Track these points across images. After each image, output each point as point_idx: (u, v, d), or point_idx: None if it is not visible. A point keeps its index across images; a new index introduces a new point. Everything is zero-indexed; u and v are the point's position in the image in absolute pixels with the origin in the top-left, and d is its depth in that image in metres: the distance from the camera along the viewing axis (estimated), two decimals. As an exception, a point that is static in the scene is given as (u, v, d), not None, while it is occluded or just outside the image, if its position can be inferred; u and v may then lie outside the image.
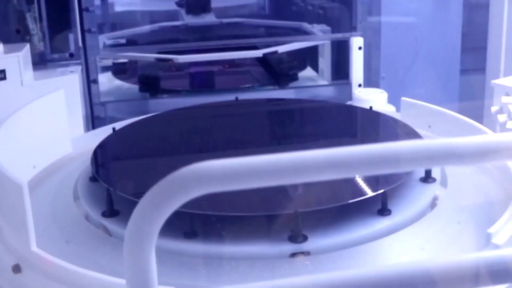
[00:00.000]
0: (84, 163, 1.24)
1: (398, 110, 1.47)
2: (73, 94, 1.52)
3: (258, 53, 1.89)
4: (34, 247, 0.90)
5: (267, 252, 0.94)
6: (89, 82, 1.74)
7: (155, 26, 2.33)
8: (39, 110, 1.26)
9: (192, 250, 0.95)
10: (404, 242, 0.98)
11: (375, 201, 1.02)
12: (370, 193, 1.03)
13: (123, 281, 0.82)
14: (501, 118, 1.16)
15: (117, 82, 2.04)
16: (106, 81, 2.04)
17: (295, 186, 1.07)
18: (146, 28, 2.31)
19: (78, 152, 1.33)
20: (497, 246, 0.90)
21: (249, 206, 1.03)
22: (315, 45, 2.07)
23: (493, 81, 1.35)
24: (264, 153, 1.29)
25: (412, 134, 1.25)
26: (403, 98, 1.42)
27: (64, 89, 1.33)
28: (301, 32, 2.07)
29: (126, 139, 1.33)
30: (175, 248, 0.95)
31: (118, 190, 1.05)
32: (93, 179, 1.16)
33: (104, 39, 2.03)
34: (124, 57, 1.98)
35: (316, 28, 2.08)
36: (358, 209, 1.01)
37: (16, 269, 0.91)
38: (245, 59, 2.04)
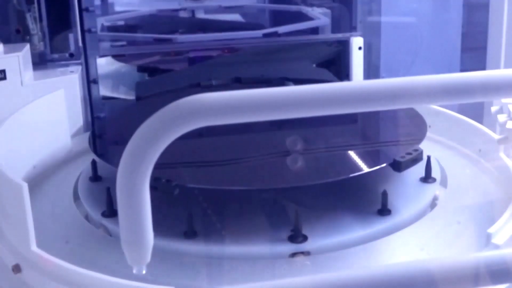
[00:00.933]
0: (84, 163, 1.23)
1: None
2: (73, 94, 1.52)
3: (258, 33, 1.90)
4: (34, 247, 0.90)
5: (267, 252, 0.94)
6: (89, 82, 1.74)
7: (154, 10, 2.33)
8: (39, 110, 1.26)
9: (192, 250, 0.95)
10: (404, 242, 0.98)
11: (375, 201, 1.02)
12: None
13: (123, 281, 0.82)
14: (501, 118, 1.16)
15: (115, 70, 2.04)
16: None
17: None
18: (145, 11, 2.30)
19: (78, 152, 1.33)
20: (497, 246, 0.90)
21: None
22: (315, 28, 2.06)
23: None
24: (264, 137, 1.27)
25: (416, 116, 1.25)
26: None
27: (64, 89, 1.33)
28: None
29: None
30: (175, 248, 0.95)
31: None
32: (93, 179, 1.16)
33: (102, 21, 2.01)
34: (123, 51, 1.98)
35: (316, 10, 2.09)
36: (358, 209, 1.01)
37: (16, 269, 0.91)
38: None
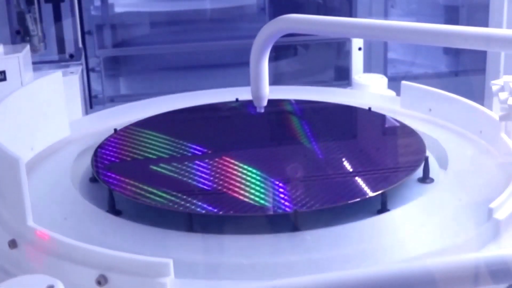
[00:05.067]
0: (83, 145, 1.23)
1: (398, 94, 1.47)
2: (73, 95, 1.52)
3: None
4: (30, 222, 0.89)
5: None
6: (89, 83, 1.75)
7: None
8: (37, 91, 1.24)
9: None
10: (403, 219, 0.98)
11: (375, 201, 1.02)
12: (370, 193, 1.03)
13: (122, 254, 0.82)
14: (502, 95, 1.17)
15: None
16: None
17: (295, 186, 1.07)
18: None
19: (77, 136, 1.32)
20: (498, 221, 0.90)
21: (249, 205, 1.02)
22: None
23: (493, 82, 1.35)
24: (264, 153, 1.29)
25: (411, 134, 1.25)
26: (403, 82, 1.42)
27: (63, 90, 1.33)
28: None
29: (127, 140, 1.33)
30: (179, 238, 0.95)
31: (118, 191, 1.05)
32: (93, 180, 1.16)
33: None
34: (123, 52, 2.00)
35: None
36: (358, 209, 1.01)
37: (12, 244, 0.91)
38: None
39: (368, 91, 1.61)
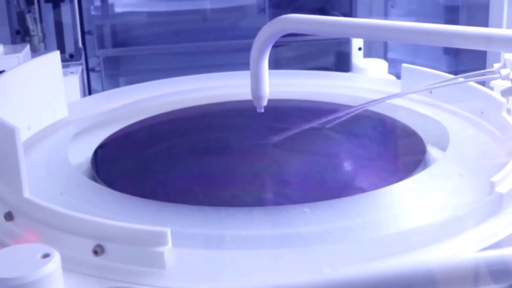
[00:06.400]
0: (80, 126, 1.24)
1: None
2: (73, 94, 1.52)
3: None
4: (26, 194, 0.88)
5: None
6: (89, 82, 1.75)
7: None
8: (34, 70, 1.23)
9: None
10: (404, 192, 0.97)
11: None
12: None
13: (119, 224, 0.81)
14: (504, 71, 1.18)
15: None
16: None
17: (292, 182, 1.08)
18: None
19: (75, 117, 1.31)
20: (500, 195, 0.89)
21: (244, 199, 1.03)
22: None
23: (493, 82, 1.35)
24: (262, 154, 1.30)
25: (412, 134, 1.26)
26: (403, 65, 1.41)
27: (63, 90, 1.33)
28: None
29: (127, 139, 1.33)
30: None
31: (118, 189, 1.05)
32: (93, 179, 1.16)
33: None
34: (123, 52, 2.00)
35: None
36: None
37: (8, 216, 0.89)
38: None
39: (368, 75, 1.61)
